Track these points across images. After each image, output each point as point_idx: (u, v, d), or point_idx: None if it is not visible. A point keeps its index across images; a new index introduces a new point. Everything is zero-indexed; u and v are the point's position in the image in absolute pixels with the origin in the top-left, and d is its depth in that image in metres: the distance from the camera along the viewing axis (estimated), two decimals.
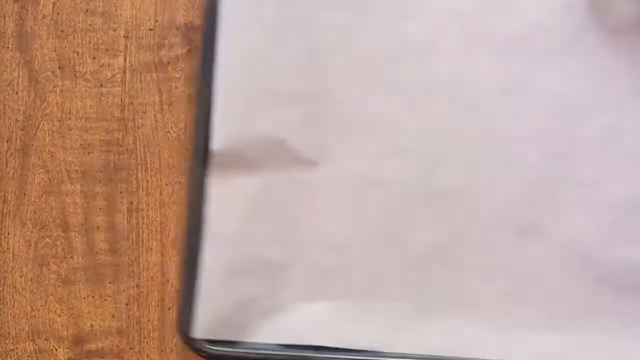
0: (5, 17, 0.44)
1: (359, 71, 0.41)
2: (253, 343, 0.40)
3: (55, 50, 0.43)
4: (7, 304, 0.42)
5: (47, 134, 0.43)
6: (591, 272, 0.40)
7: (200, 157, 0.41)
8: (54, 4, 0.44)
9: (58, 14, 0.44)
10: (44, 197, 0.43)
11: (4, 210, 0.43)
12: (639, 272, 0.40)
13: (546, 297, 0.41)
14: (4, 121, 0.43)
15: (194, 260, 0.41)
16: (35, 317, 0.42)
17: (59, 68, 0.43)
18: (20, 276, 0.42)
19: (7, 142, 0.43)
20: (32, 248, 0.42)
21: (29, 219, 0.43)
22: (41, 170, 0.43)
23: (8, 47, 0.44)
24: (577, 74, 0.41)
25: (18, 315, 0.42)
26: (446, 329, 0.41)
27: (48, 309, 0.42)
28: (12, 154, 0.43)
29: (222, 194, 0.41)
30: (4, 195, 0.43)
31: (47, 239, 0.42)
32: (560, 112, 0.41)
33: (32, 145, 0.43)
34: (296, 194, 0.41)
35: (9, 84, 0.43)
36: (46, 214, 0.42)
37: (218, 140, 0.40)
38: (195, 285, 0.40)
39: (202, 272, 0.40)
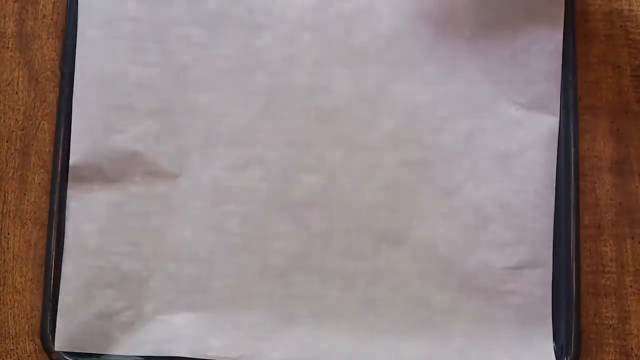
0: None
1: (216, 85, 0.41)
2: (115, 356, 0.40)
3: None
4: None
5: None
6: (453, 277, 0.41)
7: (60, 172, 0.41)
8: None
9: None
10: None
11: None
12: (499, 277, 0.41)
13: (409, 303, 0.41)
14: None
15: (57, 274, 0.41)
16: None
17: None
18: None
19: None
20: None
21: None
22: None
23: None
24: (434, 81, 0.41)
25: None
26: (307, 338, 0.40)
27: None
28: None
29: (82, 208, 0.41)
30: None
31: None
32: (418, 120, 0.41)
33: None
34: (156, 206, 0.41)
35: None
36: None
37: (75, 155, 0.41)
38: (57, 299, 0.41)
39: (62, 286, 0.41)
